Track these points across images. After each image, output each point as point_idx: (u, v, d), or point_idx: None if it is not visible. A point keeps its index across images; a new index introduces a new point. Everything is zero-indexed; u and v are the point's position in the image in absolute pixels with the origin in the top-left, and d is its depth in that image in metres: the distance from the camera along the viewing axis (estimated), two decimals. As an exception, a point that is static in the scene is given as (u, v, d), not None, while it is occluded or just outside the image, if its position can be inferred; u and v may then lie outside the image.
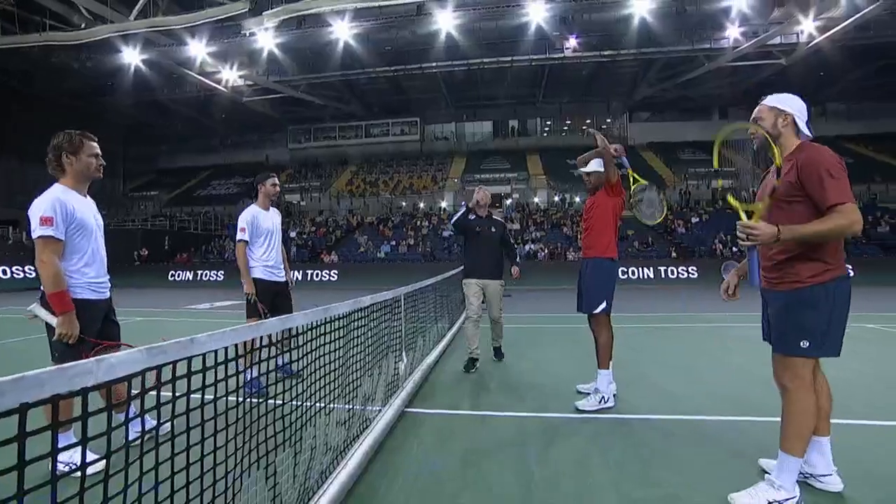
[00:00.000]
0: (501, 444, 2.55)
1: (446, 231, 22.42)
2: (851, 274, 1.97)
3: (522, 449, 2.48)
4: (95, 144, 2.23)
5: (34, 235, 2.10)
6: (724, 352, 4.90)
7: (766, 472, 2.05)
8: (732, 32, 20.13)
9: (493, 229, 4.43)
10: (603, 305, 3.17)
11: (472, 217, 4.46)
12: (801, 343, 1.85)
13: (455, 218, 4.50)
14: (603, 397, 3.11)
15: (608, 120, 32.80)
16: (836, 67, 22.62)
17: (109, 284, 2.41)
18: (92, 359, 0.73)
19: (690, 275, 16.96)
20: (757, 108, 2.04)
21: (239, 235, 3.65)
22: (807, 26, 18.83)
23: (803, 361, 1.87)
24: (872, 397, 3.26)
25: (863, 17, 17.26)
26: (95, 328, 2.28)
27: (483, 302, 4.36)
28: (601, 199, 3.29)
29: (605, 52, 21.88)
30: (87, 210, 2.25)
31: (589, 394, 3.22)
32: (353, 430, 2.24)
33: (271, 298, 3.69)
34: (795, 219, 1.84)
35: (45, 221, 2.08)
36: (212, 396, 1.21)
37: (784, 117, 1.96)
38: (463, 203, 4.62)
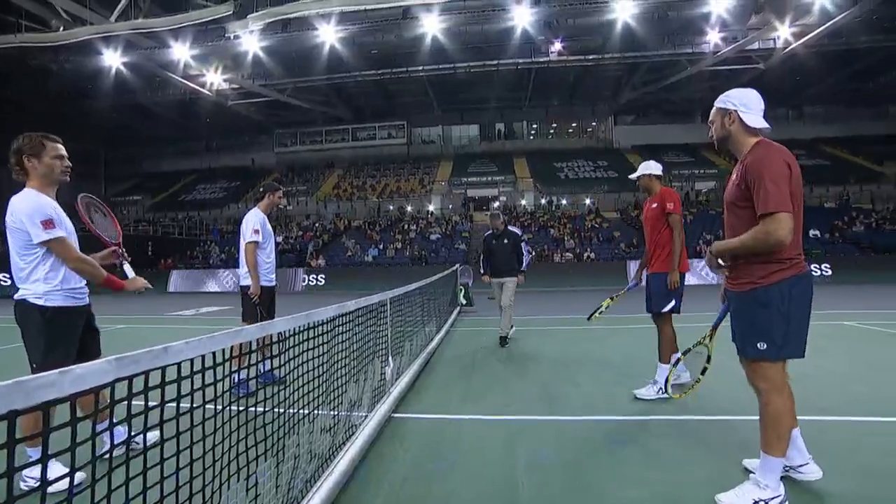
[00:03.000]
0: (489, 449, 2.53)
1: (434, 234, 22.42)
2: (811, 272, 1.93)
3: (510, 452, 2.47)
4: (59, 146, 2.13)
5: (42, 240, 2.02)
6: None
7: (751, 472, 2.08)
8: (713, 37, 20.60)
9: (506, 241, 5.64)
10: (672, 304, 3.35)
11: (489, 233, 5.81)
12: (758, 344, 1.82)
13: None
14: (660, 388, 3.25)
15: (594, 123, 33.22)
16: (812, 72, 23.33)
17: (87, 290, 2.34)
18: (55, 371, 0.70)
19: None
20: (711, 111, 2.00)
21: (252, 237, 3.68)
22: (783, 32, 19.37)
23: (770, 364, 1.84)
24: (850, 394, 3.33)
25: (834, 24, 17.82)
26: (77, 336, 2.22)
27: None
28: (658, 211, 3.42)
29: (590, 57, 22.20)
30: (63, 213, 2.16)
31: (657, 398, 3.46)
32: (338, 436, 2.21)
33: (269, 301, 3.81)
34: (746, 224, 1.82)
35: (48, 224, 2.02)
36: (188, 406, 1.18)
37: (729, 116, 1.88)
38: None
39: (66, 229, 2.14)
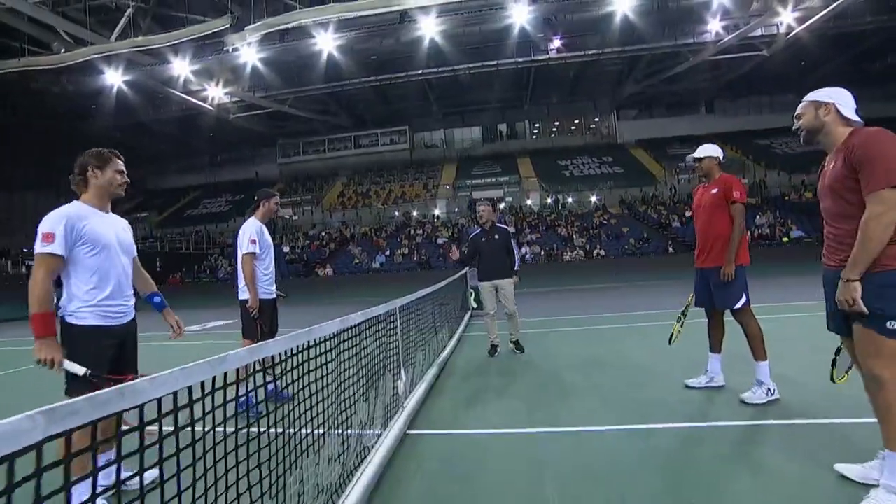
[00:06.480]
0: (512, 465, 2.34)
1: (441, 238, 22.25)
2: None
3: (536, 470, 2.27)
4: (121, 162, 2.24)
5: (34, 252, 1.99)
6: (738, 344, 4.70)
7: (847, 477, 1.92)
8: (714, 26, 20.28)
9: (497, 236, 5.12)
10: (743, 300, 3.11)
11: (478, 231, 5.25)
12: (888, 324, 1.70)
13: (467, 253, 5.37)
14: (769, 389, 2.97)
15: (596, 119, 32.94)
16: (816, 56, 22.88)
17: (130, 304, 2.22)
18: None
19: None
20: (799, 106, 2.00)
21: (249, 248, 3.50)
22: (786, 17, 19.01)
23: None
24: None
25: (839, 5, 17.44)
26: (108, 357, 2.06)
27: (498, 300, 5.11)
28: (718, 197, 3.19)
29: (590, 52, 21.98)
30: (104, 226, 2.12)
31: (706, 386, 3.31)
32: (349, 462, 2.02)
33: (270, 314, 3.61)
34: (852, 210, 1.77)
35: (46, 238, 1.96)
36: (173, 444, 1.00)
37: (825, 107, 1.89)
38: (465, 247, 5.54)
39: (88, 245, 2.04)
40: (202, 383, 0.96)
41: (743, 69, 24.57)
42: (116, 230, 2.21)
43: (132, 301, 2.25)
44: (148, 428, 0.90)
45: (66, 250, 1.99)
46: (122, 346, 2.15)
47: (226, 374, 1.03)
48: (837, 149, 1.86)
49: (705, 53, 22.00)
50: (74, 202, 2.13)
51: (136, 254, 2.35)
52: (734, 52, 22.10)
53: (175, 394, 0.87)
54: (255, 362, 1.25)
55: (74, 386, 1.93)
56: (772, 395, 2.95)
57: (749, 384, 3.08)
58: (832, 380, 2.09)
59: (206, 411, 1.01)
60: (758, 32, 20.75)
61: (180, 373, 0.87)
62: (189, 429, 1.03)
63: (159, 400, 0.79)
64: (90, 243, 2.05)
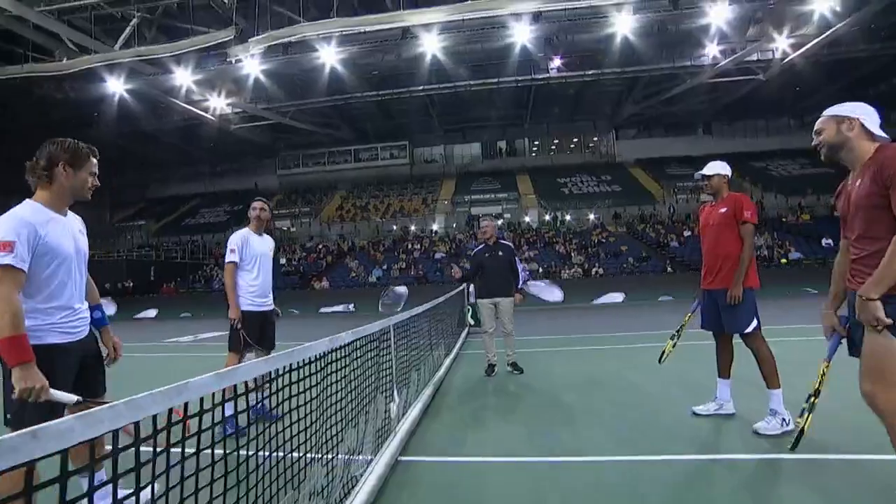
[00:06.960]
0: (511, 497, 2.16)
1: (438, 253, 22.13)
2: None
3: (537, 501, 2.09)
4: (97, 162, 1.97)
5: None
6: (747, 368, 4.53)
7: None
8: (711, 50, 20.60)
9: (501, 253, 5.03)
10: (754, 324, 2.97)
11: (481, 247, 5.16)
12: None
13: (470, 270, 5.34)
14: (784, 419, 2.79)
15: (595, 138, 33.23)
16: (812, 81, 23.26)
17: (88, 319, 1.94)
18: None
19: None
20: (818, 121, 1.90)
21: (229, 257, 3.45)
22: (781, 43, 19.33)
23: None
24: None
25: (833, 33, 17.76)
26: (69, 379, 1.80)
27: (497, 317, 5.02)
28: (727, 216, 3.08)
29: (589, 72, 22.26)
30: (62, 232, 1.82)
31: (714, 414, 3.15)
32: (334, 494, 1.84)
33: (259, 328, 3.48)
34: (880, 229, 1.67)
35: (3, 247, 1.63)
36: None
37: (849, 122, 1.79)
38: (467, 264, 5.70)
39: (47, 255, 1.74)
40: (154, 417, 0.81)
41: (740, 92, 24.91)
42: (74, 234, 1.90)
43: (88, 313, 1.97)
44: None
45: (27, 262, 1.68)
46: (84, 366, 1.88)
47: (186, 405, 0.88)
48: (864, 165, 1.77)
49: (703, 76, 22.30)
50: (30, 203, 1.80)
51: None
52: (731, 76, 22.42)
53: (115, 433, 0.72)
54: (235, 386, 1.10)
55: (21, 419, 1.62)
56: (787, 425, 2.78)
57: (760, 412, 2.92)
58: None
59: (159, 451, 0.86)
60: (754, 57, 21.09)
61: (124, 406, 0.72)
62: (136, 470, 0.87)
63: (93, 442, 0.65)
64: (50, 255, 1.74)
